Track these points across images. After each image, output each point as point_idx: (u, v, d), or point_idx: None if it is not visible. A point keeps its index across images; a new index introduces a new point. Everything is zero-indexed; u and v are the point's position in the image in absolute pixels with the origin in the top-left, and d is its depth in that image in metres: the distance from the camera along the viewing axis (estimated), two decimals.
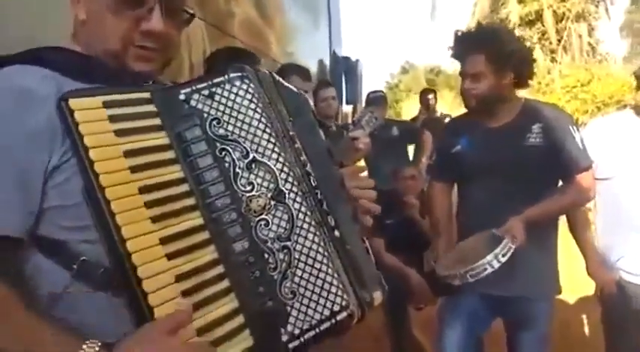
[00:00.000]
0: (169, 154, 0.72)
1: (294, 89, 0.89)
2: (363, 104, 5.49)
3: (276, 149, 0.75)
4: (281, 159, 0.75)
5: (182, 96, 0.75)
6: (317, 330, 0.71)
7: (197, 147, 0.73)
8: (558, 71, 12.03)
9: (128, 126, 0.70)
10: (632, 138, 1.87)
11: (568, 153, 1.74)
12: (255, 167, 0.74)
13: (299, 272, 0.72)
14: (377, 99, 4.27)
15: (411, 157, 4.27)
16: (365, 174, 0.97)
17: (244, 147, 0.74)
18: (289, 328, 0.70)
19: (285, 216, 0.73)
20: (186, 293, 0.66)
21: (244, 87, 0.77)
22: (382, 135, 3.39)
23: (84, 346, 0.62)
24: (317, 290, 0.72)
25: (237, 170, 0.73)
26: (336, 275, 0.74)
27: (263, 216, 0.73)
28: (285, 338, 0.70)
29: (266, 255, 0.72)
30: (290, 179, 0.75)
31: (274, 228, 0.73)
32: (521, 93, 1.92)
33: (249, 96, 0.76)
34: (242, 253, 0.71)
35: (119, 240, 0.64)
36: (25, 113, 0.69)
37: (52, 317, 0.66)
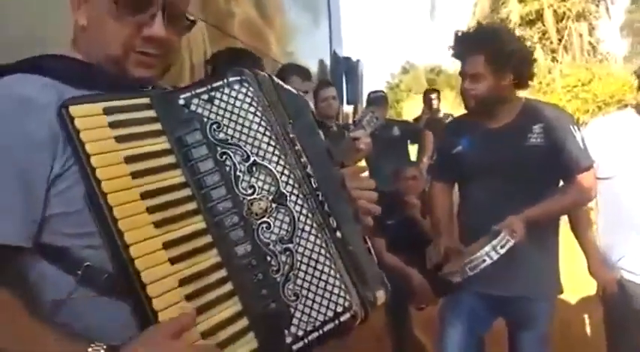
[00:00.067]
0: (170, 159, 0.72)
1: (294, 91, 0.89)
2: (364, 104, 5.50)
3: (276, 152, 0.76)
4: (281, 162, 0.75)
5: (182, 101, 0.75)
6: (321, 331, 0.72)
7: (198, 151, 0.73)
8: (559, 71, 12.02)
9: (129, 132, 0.70)
10: (633, 138, 1.87)
11: (569, 153, 1.74)
12: (255, 170, 0.74)
13: (301, 274, 0.72)
14: (378, 99, 4.27)
15: (413, 157, 4.26)
16: (366, 174, 0.97)
17: (245, 151, 0.74)
18: (293, 330, 0.71)
19: (287, 219, 0.74)
20: (189, 297, 0.67)
21: (243, 90, 0.77)
22: (383, 136, 3.39)
23: (89, 349, 0.63)
24: (320, 291, 0.73)
25: (238, 173, 0.73)
26: (338, 276, 0.74)
27: (265, 219, 0.73)
28: (289, 339, 0.70)
29: (268, 258, 0.72)
30: (291, 181, 0.75)
31: (276, 230, 0.73)
32: (522, 93, 1.91)
33: (248, 100, 0.77)
34: (244, 256, 0.71)
35: (122, 246, 0.64)
36: (27, 122, 0.69)
37: (56, 324, 0.67)
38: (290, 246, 0.73)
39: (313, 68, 4.83)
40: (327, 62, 5.93)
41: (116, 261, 0.65)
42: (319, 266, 0.73)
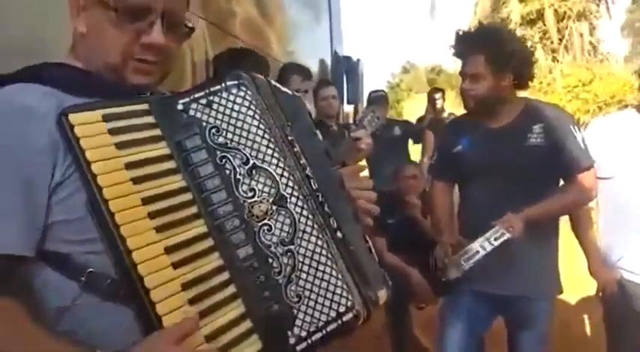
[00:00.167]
0: (170, 164, 0.72)
1: (290, 92, 0.90)
2: (365, 104, 5.49)
3: (275, 154, 0.76)
4: (281, 164, 0.76)
5: (180, 106, 0.75)
6: (324, 332, 0.72)
7: (197, 155, 0.73)
8: (560, 70, 12.01)
9: (128, 139, 0.70)
10: (634, 138, 1.87)
11: (569, 152, 1.74)
12: (255, 173, 0.74)
13: (303, 275, 0.73)
14: (378, 99, 4.27)
15: (415, 157, 4.26)
16: (365, 174, 0.98)
17: (244, 154, 0.75)
18: (296, 331, 0.71)
19: (288, 220, 0.74)
20: (192, 301, 0.67)
21: (241, 94, 0.77)
22: (384, 135, 3.39)
23: None
24: (322, 292, 0.73)
25: (238, 177, 0.74)
26: (340, 276, 0.74)
27: (265, 221, 0.73)
28: (292, 340, 0.71)
29: (270, 260, 0.72)
30: (291, 183, 0.76)
31: (277, 232, 0.73)
32: (522, 93, 1.91)
33: (246, 103, 0.77)
34: (246, 259, 0.72)
35: (125, 251, 0.65)
36: (28, 131, 0.69)
37: (60, 333, 0.67)
38: (291, 247, 0.73)
39: (314, 67, 4.83)
40: (328, 61, 5.93)
41: (119, 267, 0.66)
42: (321, 267, 0.74)
